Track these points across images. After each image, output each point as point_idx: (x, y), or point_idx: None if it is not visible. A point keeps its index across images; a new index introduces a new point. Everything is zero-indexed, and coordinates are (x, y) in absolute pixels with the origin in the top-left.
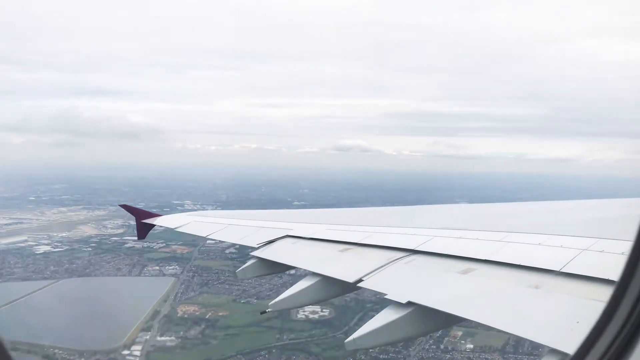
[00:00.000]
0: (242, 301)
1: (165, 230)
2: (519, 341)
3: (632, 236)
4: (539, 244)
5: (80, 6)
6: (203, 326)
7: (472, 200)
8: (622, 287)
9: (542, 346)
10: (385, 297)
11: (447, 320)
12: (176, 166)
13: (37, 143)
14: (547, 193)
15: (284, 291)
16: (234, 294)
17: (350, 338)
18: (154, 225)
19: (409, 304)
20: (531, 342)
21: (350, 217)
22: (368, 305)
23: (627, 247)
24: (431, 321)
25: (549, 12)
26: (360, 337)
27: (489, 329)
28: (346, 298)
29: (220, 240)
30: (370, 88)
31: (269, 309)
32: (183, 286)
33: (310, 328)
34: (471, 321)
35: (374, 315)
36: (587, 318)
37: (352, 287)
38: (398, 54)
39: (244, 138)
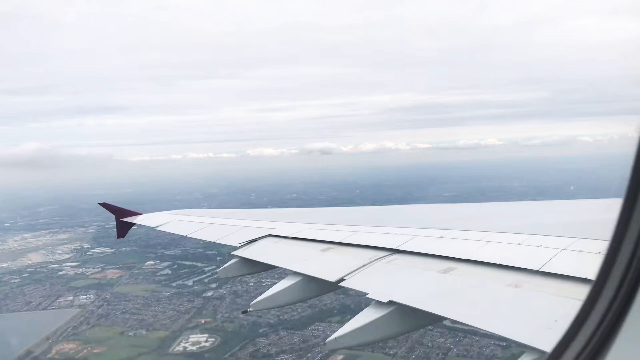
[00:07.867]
0: (130, 334)
1: (112, 254)
2: None
3: (609, 236)
4: (519, 243)
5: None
6: None
7: (462, 192)
8: (598, 286)
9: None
10: (367, 296)
11: (428, 319)
12: (173, 179)
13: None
14: (540, 178)
15: (186, 317)
16: (128, 325)
17: (332, 337)
18: (133, 225)
19: (390, 303)
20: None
21: (333, 216)
22: (262, 330)
23: (603, 247)
24: (412, 320)
25: None
26: (342, 336)
27: (373, 350)
28: (243, 322)
29: (200, 239)
30: (369, 86)
31: (250, 309)
32: (81, 319)
33: None
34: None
35: (261, 340)
36: (565, 316)
37: (333, 286)
38: (391, 49)
39: (246, 145)
